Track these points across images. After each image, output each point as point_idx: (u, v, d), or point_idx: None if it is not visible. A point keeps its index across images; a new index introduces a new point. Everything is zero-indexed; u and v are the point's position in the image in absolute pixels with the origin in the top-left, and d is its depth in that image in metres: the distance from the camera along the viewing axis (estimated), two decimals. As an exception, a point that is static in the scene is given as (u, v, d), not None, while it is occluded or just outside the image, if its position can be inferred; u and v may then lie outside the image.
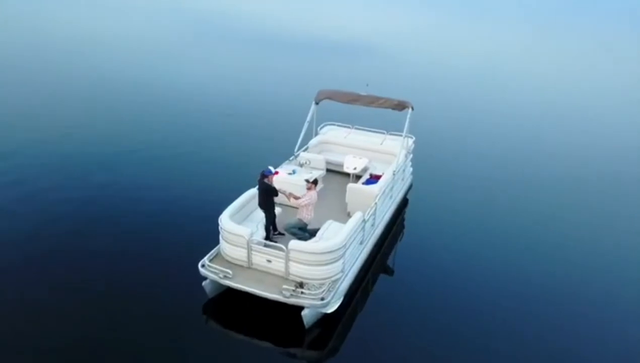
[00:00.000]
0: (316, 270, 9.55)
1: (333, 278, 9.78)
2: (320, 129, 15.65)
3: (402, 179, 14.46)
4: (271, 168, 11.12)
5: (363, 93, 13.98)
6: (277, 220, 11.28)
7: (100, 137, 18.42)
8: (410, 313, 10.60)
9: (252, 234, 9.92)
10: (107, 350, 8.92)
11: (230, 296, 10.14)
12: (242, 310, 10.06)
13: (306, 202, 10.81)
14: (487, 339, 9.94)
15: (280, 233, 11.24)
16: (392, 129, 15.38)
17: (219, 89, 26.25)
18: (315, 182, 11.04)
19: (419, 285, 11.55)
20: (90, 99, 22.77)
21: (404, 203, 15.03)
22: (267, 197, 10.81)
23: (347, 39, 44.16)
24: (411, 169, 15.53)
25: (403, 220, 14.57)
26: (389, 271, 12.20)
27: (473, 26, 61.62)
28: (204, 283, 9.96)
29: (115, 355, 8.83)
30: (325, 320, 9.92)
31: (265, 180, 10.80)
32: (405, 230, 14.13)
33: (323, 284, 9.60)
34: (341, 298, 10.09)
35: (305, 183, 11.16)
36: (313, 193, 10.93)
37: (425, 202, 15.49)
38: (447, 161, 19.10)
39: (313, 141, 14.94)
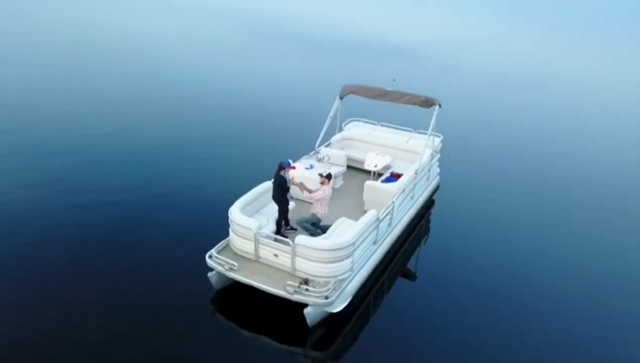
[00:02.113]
0: (322, 267, 9.21)
1: (340, 277, 9.39)
2: (345, 125, 15.28)
3: (427, 179, 13.87)
4: (290, 161, 10.89)
5: (389, 88, 13.50)
6: (290, 214, 11.02)
7: (122, 130, 18.54)
8: (425, 322, 10.01)
9: (260, 227, 9.67)
10: (110, 336, 8.90)
11: (238, 289, 9.92)
12: (249, 304, 9.82)
13: (319, 196, 10.47)
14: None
15: (292, 228, 10.97)
16: (421, 127, 14.78)
17: (245, 84, 26.13)
18: (329, 176, 10.68)
19: (438, 293, 10.89)
20: (108, 93, 22.82)
21: (429, 204, 14.42)
22: (280, 190, 10.57)
23: (377, 36, 43.59)
24: (438, 170, 14.91)
25: (428, 222, 13.96)
26: (408, 275, 11.63)
27: (508, 25, 59.59)
28: (209, 274, 9.82)
29: (117, 341, 8.79)
30: (331, 320, 9.54)
31: (282, 172, 10.56)
32: (430, 233, 13.50)
33: (329, 282, 9.23)
34: (349, 299, 9.70)
35: (316, 177, 10.82)
36: (327, 188, 10.58)
37: (452, 205, 14.79)
38: (477, 162, 18.24)
39: (336, 137, 14.59)
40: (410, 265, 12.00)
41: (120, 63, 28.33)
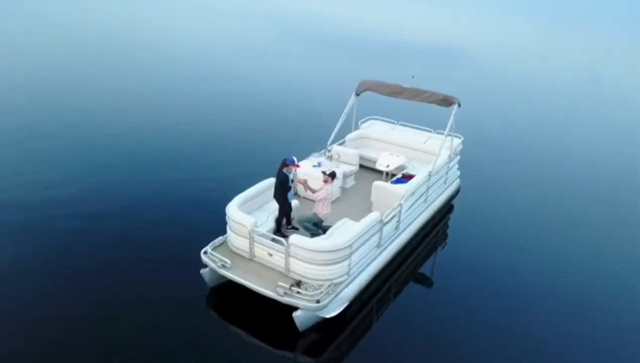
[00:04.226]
0: (316, 269, 8.76)
1: (335, 281, 8.91)
2: (362, 123, 14.74)
3: (444, 182, 13.16)
4: (294, 158, 10.50)
5: (407, 86, 12.87)
6: (293, 213, 10.62)
7: (130, 124, 18.52)
8: (433, 332, 9.35)
9: (255, 224, 9.32)
10: (103, 327, 8.80)
11: (233, 287, 9.59)
12: (242, 303, 9.49)
13: (322, 196, 10.02)
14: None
15: (294, 228, 10.57)
16: (443, 127, 14.05)
17: (260, 81, 25.73)
18: (332, 175, 10.20)
19: (452, 303, 10.15)
20: (110, 91, 22.41)
21: (447, 209, 13.70)
22: (280, 188, 10.19)
23: (397, 33, 42.95)
24: (458, 172, 14.16)
25: (446, 227, 13.24)
26: (420, 282, 10.96)
27: (534, 24, 57.23)
28: (202, 271, 9.56)
29: (108, 333, 8.68)
30: (326, 326, 9.06)
31: (285, 170, 10.18)
32: (447, 239, 12.79)
33: (322, 285, 8.77)
34: (345, 304, 9.20)
35: (322, 175, 10.36)
36: (329, 187, 10.12)
37: (473, 210, 14.00)
38: (502, 166, 17.30)
39: (351, 135, 14.08)
40: (423, 272, 11.34)
41: (127, 62, 27.97)
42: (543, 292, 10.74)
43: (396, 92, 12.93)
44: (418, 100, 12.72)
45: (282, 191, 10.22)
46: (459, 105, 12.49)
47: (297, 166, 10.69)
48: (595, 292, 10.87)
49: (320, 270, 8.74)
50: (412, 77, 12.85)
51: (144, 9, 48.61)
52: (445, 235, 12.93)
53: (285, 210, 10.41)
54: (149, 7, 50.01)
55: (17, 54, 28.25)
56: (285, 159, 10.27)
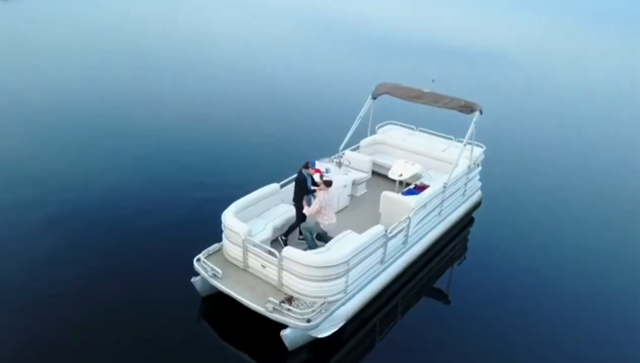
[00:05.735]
0: (309, 285, 8.15)
1: (329, 299, 8.27)
2: (379, 128, 14.01)
3: (463, 194, 12.28)
4: (316, 161, 10.16)
5: (427, 90, 12.09)
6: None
7: (137, 123, 18.17)
8: (440, 360, 8.60)
9: (250, 232, 8.79)
10: (88, 334, 8.53)
11: (225, 297, 9.09)
12: (233, 315, 8.94)
13: (315, 209, 9.33)
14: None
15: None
16: (465, 135, 13.22)
17: (272, 81, 24.85)
18: (327, 183, 9.41)
19: (465, 330, 9.30)
20: (109, 89, 21.82)
21: (466, 222, 12.81)
22: (298, 187, 9.72)
23: (418, 33, 41.42)
24: (479, 184, 13.22)
25: (465, 241, 12.40)
26: (432, 301, 10.21)
27: (561, 25, 54.38)
28: (193, 279, 9.12)
29: (94, 340, 8.39)
30: (320, 346, 8.45)
31: (304, 171, 9.74)
32: (466, 254, 11.96)
33: (315, 303, 8.15)
34: (341, 324, 8.54)
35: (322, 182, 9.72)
36: (324, 195, 9.31)
37: (495, 224, 13.08)
38: (528, 177, 16.13)
39: (366, 140, 13.36)
40: (438, 288, 10.60)
41: (134, 61, 27.11)
42: (575, 315, 9.89)
43: (415, 96, 12.17)
44: (438, 106, 11.93)
45: (299, 192, 9.73)
46: (481, 112, 11.61)
47: (318, 170, 10.19)
48: (630, 315, 9.96)
49: (313, 287, 8.13)
50: (433, 80, 12.02)
51: (151, 7, 47.99)
52: (464, 250, 12.10)
53: (301, 215, 9.85)
54: (158, 4, 49.20)
55: (19, 54, 27.69)
56: (307, 162, 9.87)
